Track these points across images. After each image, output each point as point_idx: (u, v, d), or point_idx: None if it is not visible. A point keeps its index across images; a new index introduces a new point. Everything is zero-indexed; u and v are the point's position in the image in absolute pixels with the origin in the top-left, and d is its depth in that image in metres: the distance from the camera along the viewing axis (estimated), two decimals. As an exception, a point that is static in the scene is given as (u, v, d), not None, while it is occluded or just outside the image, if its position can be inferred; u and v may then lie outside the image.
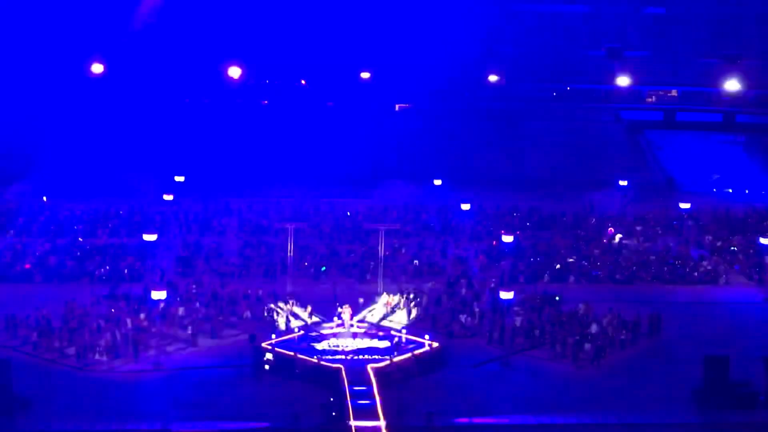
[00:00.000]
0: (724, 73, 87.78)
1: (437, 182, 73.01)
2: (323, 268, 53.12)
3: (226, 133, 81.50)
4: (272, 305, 44.45)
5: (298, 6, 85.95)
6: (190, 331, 41.99)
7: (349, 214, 65.46)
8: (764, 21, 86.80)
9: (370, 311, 44.08)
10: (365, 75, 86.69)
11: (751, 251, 57.84)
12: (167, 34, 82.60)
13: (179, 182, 70.48)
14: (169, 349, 40.77)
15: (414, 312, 44.83)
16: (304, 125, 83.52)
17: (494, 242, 57.97)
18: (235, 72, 79.73)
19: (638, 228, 64.40)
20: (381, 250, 49.90)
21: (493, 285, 49.33)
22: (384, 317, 43.83)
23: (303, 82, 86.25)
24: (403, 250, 56.68)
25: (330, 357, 38.11)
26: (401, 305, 44.80)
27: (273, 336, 39.95)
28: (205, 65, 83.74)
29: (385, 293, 46.28)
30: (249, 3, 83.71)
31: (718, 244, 60.85)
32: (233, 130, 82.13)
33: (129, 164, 73.48)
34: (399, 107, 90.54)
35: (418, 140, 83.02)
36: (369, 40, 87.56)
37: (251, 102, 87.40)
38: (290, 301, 44.35)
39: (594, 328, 42.74)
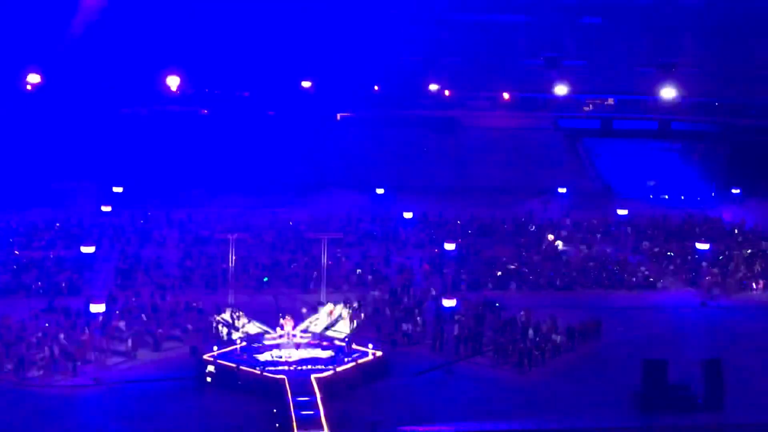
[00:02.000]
0: (660, 81, 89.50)
1: (379, 191, 73.15)
2: (266, 279, 52.81)
3: (165, 143, 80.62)
4: (214, 317, 44.08)
5: (238, 14, 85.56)
6: (130, 344, 41.41)
7: (291, 223, 65.20)
8: (699, 30, 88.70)
9: (313, 321, 43.95)
10: (306, 84, 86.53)
11: (688, 256, 58.93)
12: (104, 44, 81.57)
13: (117, 193, 69.56)
14: (109, 362, 40.16)
15: (357, 321, 44.80)
16: (244, 135, 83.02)
17: (436, 250, 58.25)
18: (173, 81, 78.96)
19: (578, 235, 65.33)
20: (324, 260, 49.76)
21: (435, 293, 49.58)
22: (327, 327, 43.73)
23: (246, 94, 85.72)
24: (346, 260, 56.65)
25: (273, 368, 37.88)
26: (344, 315, 44.75)
27: (215, 348, 39.58)
28: (143, 75, 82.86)
29: (328, 303, 46.17)
30: (187, 12, 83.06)
31: (656, 249, 61.93)
32: (172, 140, 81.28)
33: (66, 175, 72.30)
34: (340, 116, 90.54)
35: (360, 149, 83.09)
36: (310, 49, 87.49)
37: (190, 111, 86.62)
38: (232, 313, 44.02)
39: (534, 334, 43.15)
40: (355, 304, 46.61)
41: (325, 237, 50.90)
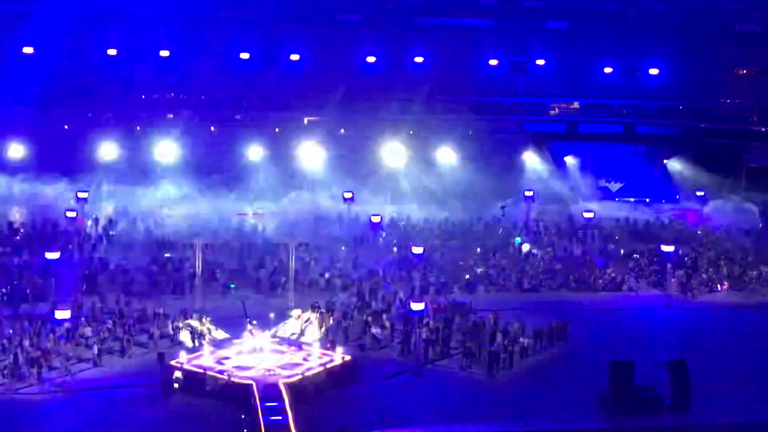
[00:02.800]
0: (624, 85, 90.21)
1: (347, 194, 72.98)
2: (233, 285, 52.46)
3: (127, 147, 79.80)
4: (181, 322, 43.78)
5: (201, 18, 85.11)
6: (96, 351, 40.99)
7: (259, 228, 64.89)
8: (663, 33, 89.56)
9: (281, 326, 43.78)
10: (271, 88, 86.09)
11: (654, 258, 59.45)
12: (69, 46, 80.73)
13: (83, 198, 68.79)
14: (75, 369, 39.73)
15: (325, 326, 44.68)
16: (210, 137, 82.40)
17: (403, 253, 58.31)
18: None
19: (544, 237, 65.70)
20: (291, 264, 49.65)
21: (404, 297, 49.58)
22: (295, 332, 43.59)
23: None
24: (314, 264, 56.51)
25: (241, 373, 37.68)
26: (312, 319, 44.63)
27: (182, 354, 39.31)
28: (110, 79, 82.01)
29: (296, 307, 46.04)
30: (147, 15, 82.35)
31: (622, 252, 62.43)
32: (136, 144, 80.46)
33: (30, 179, 71.39)
34: (308, 120, 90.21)
35: (328, 152, 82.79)
36: (276, 49, 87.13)
37: (155, 115, 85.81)
38: (199, 318, 43.75)
39: (503, 336, 43.30)
40: (323, 309, 46.52)
41: (292, 241, 50.82)
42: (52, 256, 50.68)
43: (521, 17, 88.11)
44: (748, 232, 69.15)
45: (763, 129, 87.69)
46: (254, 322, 42.09)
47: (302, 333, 43.61)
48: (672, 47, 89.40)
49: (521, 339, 43.56)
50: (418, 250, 54.70)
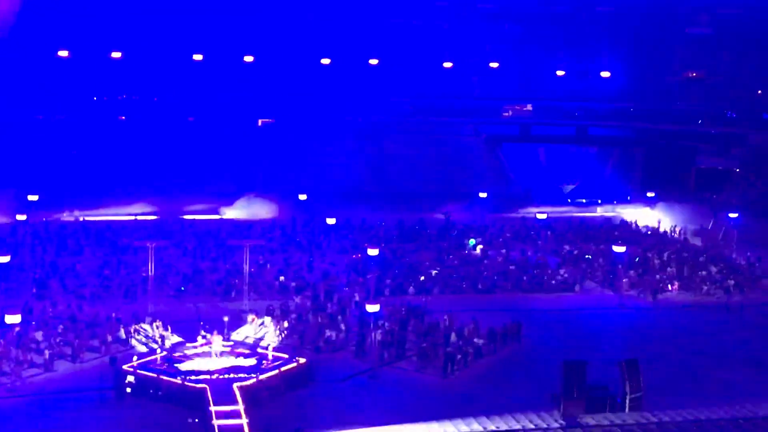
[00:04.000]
0: (576, 87, 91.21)
1: (302, 197, 72.89)
2: (182, 288, 52.03)
3: (81, 150, 79.06)
4: (133, 326, 43.36)
5: (154, 17, 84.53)
6: (47, 356, 40.43)
7: (213, 230, 64.54)
8: (615, 36, 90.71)
9: (235, 329, 43.53)
10: (226, 91, 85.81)
11: (605, 259, 60.09)
12: (19, 48, 79.71)
13: (33, 201, 67.87)
14: (26, 374, 39.14)
15: (280, 328, 44.53)
16: (164, 141, 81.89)
17: (358, 255, 58.35)
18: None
19: (498, 239, 66.13)
20: (246, 267, 49.41)
21: (358, 298, 49.60)
22: (250, 335, 43.38)
23: (191, 119, 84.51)
24: (269, 266, 56.30)
25: (194, 377, 37.40)
26: (267, 322, 44.45)
27: (135, 358, 38.95)
28: (59, 81, 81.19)
29: (250, 310, 45.82)
30: (102, 16, 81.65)
31: (574, 252, 63.06)
32: (89, 147, 79.75)
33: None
34: (262, 122, 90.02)
35: (282, 155, 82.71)
36: (231, 56, 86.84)
37: (108, 118, 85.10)
38: (152, 322, 43.36)
39: (457, 338, 43.51)
40: (278, 312, 46.36)
41: (247, 244, 50.57)
42: (2, 260, 49.90)
43: (475, 19, 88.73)
44: (698, 232, 70.25)
45: (713, 131, 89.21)
46: (209, 325, 41.79)
47: (258, 337, 43.40)
48: (623, 50, 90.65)
49: (475, 340, 43.79)
50: (373, 252, 54.75)
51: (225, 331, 42.62)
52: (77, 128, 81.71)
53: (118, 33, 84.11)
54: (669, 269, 58.99)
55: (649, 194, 79.01)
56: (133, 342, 42.53)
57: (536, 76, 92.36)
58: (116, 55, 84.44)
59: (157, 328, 42.94)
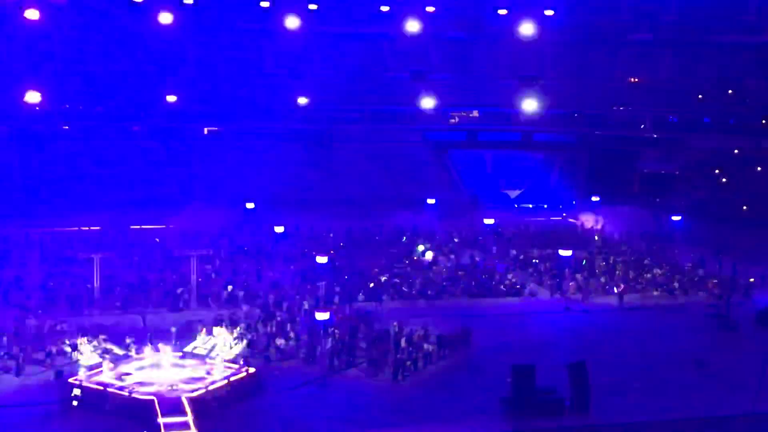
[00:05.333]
0: (522, 94, 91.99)
1: (250, 205, 72.49)
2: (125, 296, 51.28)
3: (24, 160, 77.75)
4: (79, 339, 42.72)
5: (94, 27, 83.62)
6: (-10, 370, 39.73)
7: (158, 240, 63.90)
8: (558, 43, 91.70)
9: (183, 340, 43.12)
10: (171, 98, 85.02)
11: (552, 263, 60.69)
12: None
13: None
14: (-32, 390, 38.43)
15: (229, 338, 44.19)
16: (109, 150, 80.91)
17: (308, 263, 58.30)
18: (33, 97, 76.01)
19: (447, 244, 66.44)
20: (194, 277, 48.98)
21: (308, 307, 49.47)
22: (198, 345, 42.98)
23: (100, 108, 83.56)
24: (216, 276, 55.89)
25: (142, 389, 36.98)
26: (216, 332, 44.09)
27: (81, 371, 38.37)
28: (1, 90, 79.74)
29: (198, 321, 45.41)
30: (45, 28, 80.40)
31: (521, 257, 63.62)
32: (32, 156, 78.47)
33: None
34: (208, 130, 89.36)
35: (229, 163, 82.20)
36: (175, 63, 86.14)
37: (51, 127, 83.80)
38: (98, 335, 42.77)
39: (407, 344, 43.61)
40: (227, 321, 46.03)
41: (194, 254, 50.15)
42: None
43: (421, 27, 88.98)
44: (642, 235, 71.29)
45: (656, 136, 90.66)
46: (156, 336, 41.36)
47: (206, 347, 43.00)
48: (567, 56, 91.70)
49: (425, 346, 43.94)
50: (322, 259, 54.67)
51: (173, 342, 42.23)
52: (21, 138, 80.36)
53: (64, 41, 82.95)
54: (615, 272, 59.75)
55: (594, 198, 79.93)
56: (77, 356, 41.86)
57: (482, 83, 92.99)
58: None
59: (104, 340, 42.36)
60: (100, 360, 40.36)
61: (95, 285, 48.09)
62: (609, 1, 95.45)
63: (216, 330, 43.74)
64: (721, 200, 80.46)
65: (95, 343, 42.14)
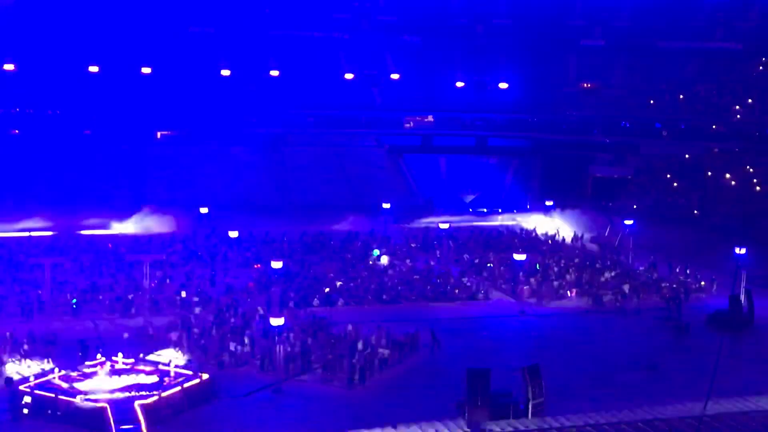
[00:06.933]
0: (476, 99, 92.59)
1: (203, 210, 72.00)
2: (74, 300, 50.53)
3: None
4: (27, 346, 42.00)
5: (48, 31, 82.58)
6: (-64, 379, 38.88)
7: (110, 245, 63.17)
8: (511, 49, 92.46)
9: (135, 346, 42.60)
10: (124, 103, 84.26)
11: (506, 267, 61.01)
12: None
13: None
14: None
15: (182, 344, 43.80)
16: (59, 155, 79.84)
17: (257, 266, 58.01)
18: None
19: (402, 249, 66.52)
20: (146, 282, 48.47)
21: (263, 312, 49.18)
22: (150, 351, 42.48)
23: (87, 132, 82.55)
24: (170, 281, 55.36)
25: (94, 396, 36.45)
26: (170, 338, 43.66)
27: (31, 378, 37.72)
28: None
29: (151, 327, 44.91)
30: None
31: (476, 261, 63.88)
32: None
33: None
34: (161, 134, 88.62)
35: (182, 168, 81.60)
36: (127, 67, 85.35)
37: (1, 132, 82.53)
38: (46, 341, 42.10)
39: (362, 348, 43.52)
40: (180, 327, 45.58)
41: (146, 259, 49.61)
42: None
43: (375, 31, 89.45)
44: (595, 239, 72.05)
45: (607, 140, 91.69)
46: (107, 342, 40.83)
47: (158, 352, 42.54)
48: (520, 62, 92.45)
49: (380, 350, 43.87)
50: (277, 264, 54.41)
51: (124, 348, 41.70)
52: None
53: (12, 44, 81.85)
54: (568, 276, 60.24)
55: (548, 203, 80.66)
56: (30, 361, 41.09)
57: (437, 88, 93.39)
58: (9, 67, 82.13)
59: (53, 346, 41.70)
60: (51, 367, 39.66)
61: (46, 291, 47.31)
62: (561, 8, 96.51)
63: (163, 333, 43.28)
64: (672, 204, 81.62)
65: (43, 350, 41.38)
